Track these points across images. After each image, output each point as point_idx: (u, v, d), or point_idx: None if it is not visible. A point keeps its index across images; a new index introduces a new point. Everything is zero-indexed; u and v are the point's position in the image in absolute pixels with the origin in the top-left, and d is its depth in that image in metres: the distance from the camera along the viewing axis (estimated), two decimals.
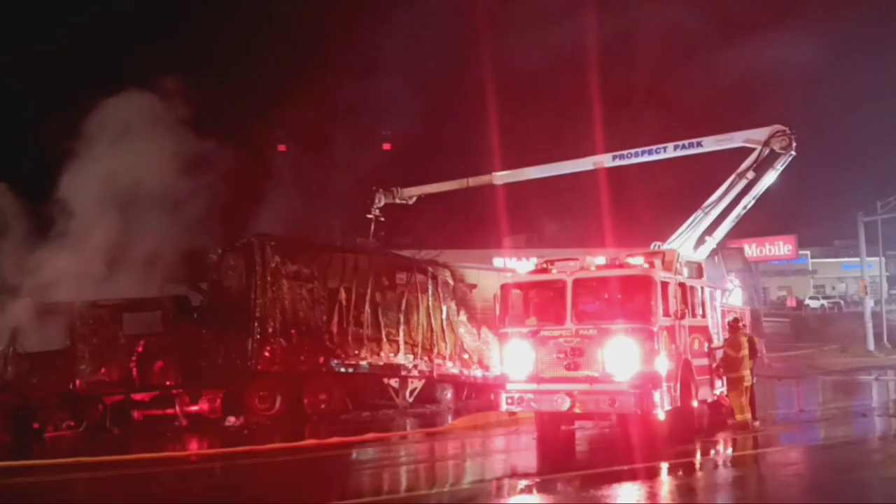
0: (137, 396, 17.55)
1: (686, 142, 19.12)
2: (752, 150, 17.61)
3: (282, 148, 24.46)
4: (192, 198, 18.33)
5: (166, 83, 18.57)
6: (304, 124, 22.21)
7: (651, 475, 11.42)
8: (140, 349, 17.67)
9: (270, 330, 18.27)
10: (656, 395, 12.80)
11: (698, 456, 13.41)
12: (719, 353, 15.72)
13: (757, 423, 15.44)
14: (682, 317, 13.96)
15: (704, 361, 15.11)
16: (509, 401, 13.56)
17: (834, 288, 72.75)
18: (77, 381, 17.17)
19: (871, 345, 38.79)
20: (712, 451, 14.12)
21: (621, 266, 13.89)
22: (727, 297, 17.70)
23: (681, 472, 11.97)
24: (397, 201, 22.75)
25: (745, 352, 15.41)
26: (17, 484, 12.27)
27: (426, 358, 20.34)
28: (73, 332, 17.34)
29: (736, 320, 16.27)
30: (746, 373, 15.36)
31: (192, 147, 18.55)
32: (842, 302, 62.35)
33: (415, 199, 22.96)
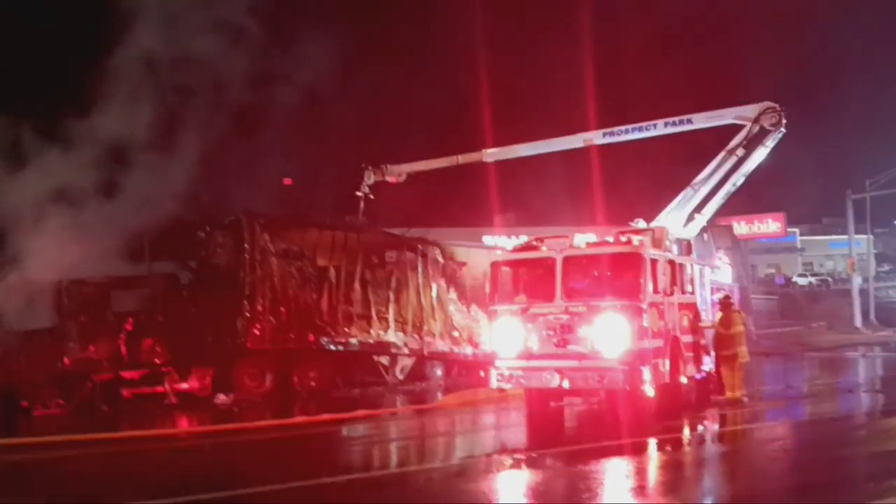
0: (126, 374, 17.50)
1: (676, 118, 19.07)
2: (742, 126, 17.59)
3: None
4: (181, 173, 18.21)
5: (158, 51, 18.40)
6: (292, 99, 22.02)
7: (639, 450, 11.50)
8: (129, 327, 17.63)
9: (260, 308, 18.26)
10: (645, 372, 12.87)
11: (686, 431, 13.52)
12: (708, 329, 15.80)
13: (745, 399, 15.55)
14: (671, 294, 14.02)
15: (693, 338, 15.19)
16: (499, 377, 13.60)
17: (822, 265, 73.11)
18: (65, 359, 17.13)
19: (858, 322, 39.15)
20: (700, 427, 14.24)
21: (611, 243, 13.90)
22: (716, 275, 17.77)
23: (669, 448, 12.07)
24: (387, 179, 22.65)
25: (739, 328, 15.48)
26: (5, 462, 12.25)
27: (416, 335, 20.39)
28: (62, 310, 17.27)
29: (727, 297, 16.34)
30: (741, 349, 15.44)
31: (180, 122, 18.43)
32: (829, 279, 62.72)
33: (404, 176, 22.86)
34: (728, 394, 15.46)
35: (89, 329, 17.39)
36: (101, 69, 18.05)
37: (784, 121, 17.44)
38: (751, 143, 17.41)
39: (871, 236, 48.16)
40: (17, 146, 17.49)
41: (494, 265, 14.28)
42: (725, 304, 15.90)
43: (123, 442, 13.45)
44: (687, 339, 14.76)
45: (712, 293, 16.87)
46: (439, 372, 21.42)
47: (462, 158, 22.46)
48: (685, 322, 14.83)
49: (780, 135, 17.49)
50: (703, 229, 18.29)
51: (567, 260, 13.47)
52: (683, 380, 14.48)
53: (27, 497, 10.24)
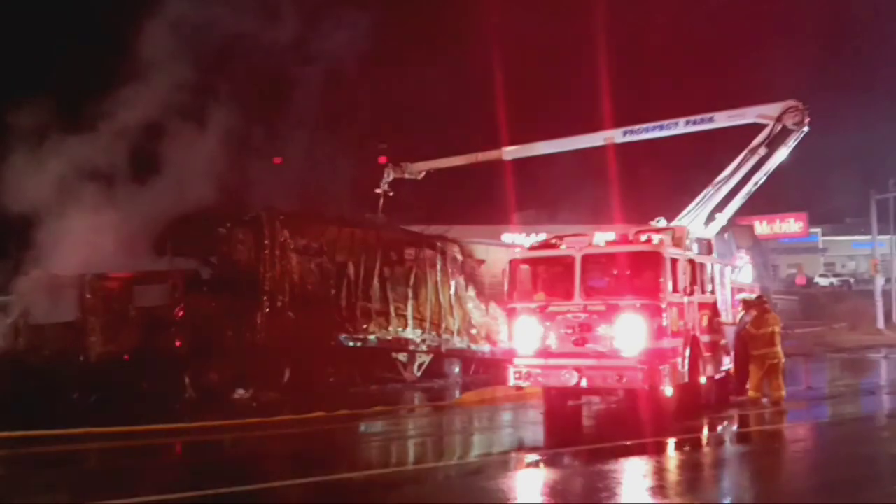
0: (147, 368, 17.59)
1: (697, 117, 18.95)
2: (765, 125, 17.45)
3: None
4: (203, 169, 18.34)
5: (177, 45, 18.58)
6: (312, 97, 22.13)
7: (658, 450, 11.45)
8: (150, 322, 17.73)
9: (279, 304, 18.32)
10: (664, 371, 12.82)
11: (705, 431, 13.45)
12: (728, 329, 15.70)
13: (765, 400, 15.42)
14: (691, 293, 13.94)
15: (713, 338, 15.11)
16: (517, 375, 13.59)
17: (844, 266, 72.32)
18: (88, 353, 17.25)
19: (880, 323, 38.78)
20: (719, 427, 14.17)
21: (631, 242, 13.85)
22: (736, 274, 17.66)
23: (687, 448, 12.01)
24: (406, 176, 22.69)
25: (771, 329, 15.30)
26: (27, 454, 12.40)
27: (434, 333, 20.40)
28: (84, 305, 17.40)
29: (761, 297, 16.28)
30: (772, 351, 15.26)
31: (202, 119, 18.56)
32: (852, 280, 62.09)
33: (423, 174, 22.90)
34: (751, 393, 15.33)
35: (111, 323, 17.50)
36: (116, 66, 18.24)
37: (807, 119, 17.28)
38: (773, 142, 17.26)
39: (895, 237, 47.59)
40: (39, 138, 17.66)
41: (513, 263, 14.26)
42: (759, 304, 15.76)
43: (143, 435, 13.55)
44: (706, 338, 14.67)
45: (733, 293, 16.77)
46: (457, 369, 21.43)
47: (481, 156, 22.46)
48: (705, 322, 14.75)
49: (802, 134, 17.34)
50: (724, 228, 18.16)
51: (586, 258, 13.44)
52: (703, 380, 14.40)
53: (47, 489, 10.34)
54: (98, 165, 17.93)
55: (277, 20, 20.50)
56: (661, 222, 15.30)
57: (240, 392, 18.08)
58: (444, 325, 20.55)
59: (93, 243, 17.49)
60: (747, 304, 16.06)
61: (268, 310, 18.19)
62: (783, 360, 15.62)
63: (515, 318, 13.89)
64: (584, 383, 13.09)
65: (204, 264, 19.52)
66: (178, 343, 17.73)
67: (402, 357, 20.57)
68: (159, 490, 9.33)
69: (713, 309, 15.29)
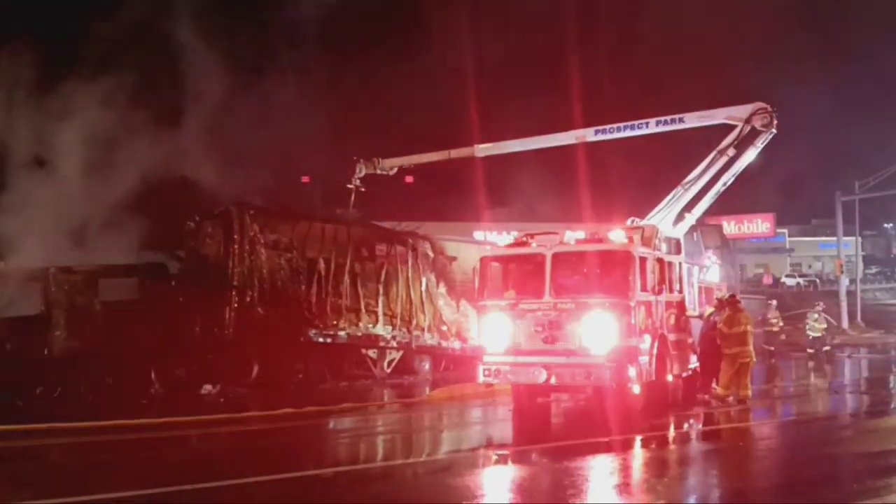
0: (113, 363, 17.37)
1: (668, 117, 19.10)
2: (734, 126, 17.63)
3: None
4: (171, 162, 18.13)
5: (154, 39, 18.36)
6: (285, 91, 21.99)
7: (625, 448, 11.54)
8: (116, 316, 17.49)
9: (248, 299, 18.19)
10: (632, 369, 12.92)
11: (672, 429, 13.57)
12: (694, 328, 15.83)
13: (731, 398, 15.59)
14: (660, 292, 14.05)
15: (680, 336, 15.24)
16: (486, 373, 13.60)
17: (810, 266, 73.48)
18: (52, 347, 17.00)
19: (845, 323, 39.36)
20: (685, 425, 14.29)
21: (601, 241, 13.92)
22: (705, 274, 17.83)
23: (654, 445, 12.11)
24: (378, 172, 22.63)
25: (744, 328, 15.39)
26: None
27: (405, 329, 20.39)
28: (48, 298, 17.13)
29: (733, 296, 16.41)
30: (746, 349, 15.35)
31: (170, 109, 18.35)
32: (818, 280, 63.03)
33: (396, 170, 22.85)
34: (720, 391, 15.46)
35: (76, 317, 17.23)
36: (89, 46, 17.96)
37: (775, 121, 17.49)
38: (742, 144, 17.46)
39: (860, 238, 48.37)
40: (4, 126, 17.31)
41: (484, 261, 14.28)
42: (732, 302, 15.88)
43: (108, 431, 13.37)
44: (674, 337, 14.80)
45: (701, 292, 16.93)
46: (427, 366, 21.42)
47: (454, 153, 22.47)
48: (672, 320, 14.87)
49: (771, 135, 17.55)
50: (693, 228, 18.34)
51: (556, 256, 13.49)
52: (670, 378, 14.53)
53: (11, 485, 10.17)
54: (64, 154, 17.63)
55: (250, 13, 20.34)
56: (636, 222, 15.39)
57: (207, 388, 17.93)
58: (414, 322, 20.54)
59: (57, 235, 17.21)
60: (720, 303, 16.18)
61: (236, 305, 18.05)
62: (754, 359, 15.77)
63: (486, 316, 13.91)
64: (553, 381, 13.14)
65: (172, 258, 19.31)
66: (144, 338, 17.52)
67: (372, 353, 20.52)
68: (124, 486, 9.20)
69: (681, 308, 15.43)
